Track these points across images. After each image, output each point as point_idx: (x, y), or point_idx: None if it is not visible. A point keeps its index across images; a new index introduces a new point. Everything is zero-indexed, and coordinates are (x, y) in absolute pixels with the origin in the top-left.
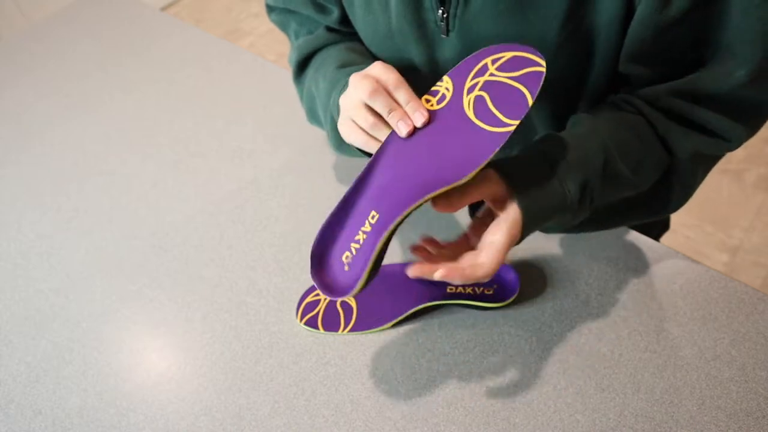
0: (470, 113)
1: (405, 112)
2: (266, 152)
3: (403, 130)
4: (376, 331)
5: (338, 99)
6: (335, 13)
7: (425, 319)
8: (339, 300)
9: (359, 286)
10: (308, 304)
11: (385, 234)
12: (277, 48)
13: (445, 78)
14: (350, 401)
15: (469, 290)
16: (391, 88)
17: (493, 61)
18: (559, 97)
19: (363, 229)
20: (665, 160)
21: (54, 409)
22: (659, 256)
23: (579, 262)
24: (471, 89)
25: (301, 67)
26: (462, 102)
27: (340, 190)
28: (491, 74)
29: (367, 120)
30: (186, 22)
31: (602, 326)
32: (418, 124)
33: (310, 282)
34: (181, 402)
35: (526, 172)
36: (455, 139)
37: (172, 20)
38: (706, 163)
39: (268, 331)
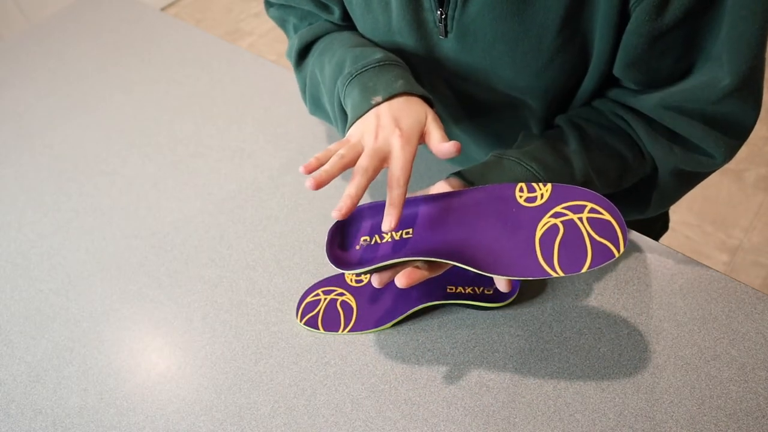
0: (538, 233)
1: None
2: (266, 152)
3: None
4: (376, 331)
5: (348, 84)
6: (337, 13)
7: (425, 319)
8: (339, 300)
9: (350, 273)
10: (308, 304)
11: (402, 259)
12: (278, 48)
13: (549, 186)
14: (350, 401)
15: (469, 290)
16: (392, 177)
17: (592, 210)
18: (554, 99)
19: (393, 233)
20: (643, 173)
21: (54, 409)
22: (659, 256)
23: None
24: (556, 215)
25: (303, 54)
26: (542, 218)
27: (340, 190)
28: (580, 218)
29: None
30: (186, 22)
31: (602, 326)
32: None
33: (310, 282)
34: (181, 402)
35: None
36: (511, 241)
37: (172, 20)
38: (689, 179)
39: (268, 331)
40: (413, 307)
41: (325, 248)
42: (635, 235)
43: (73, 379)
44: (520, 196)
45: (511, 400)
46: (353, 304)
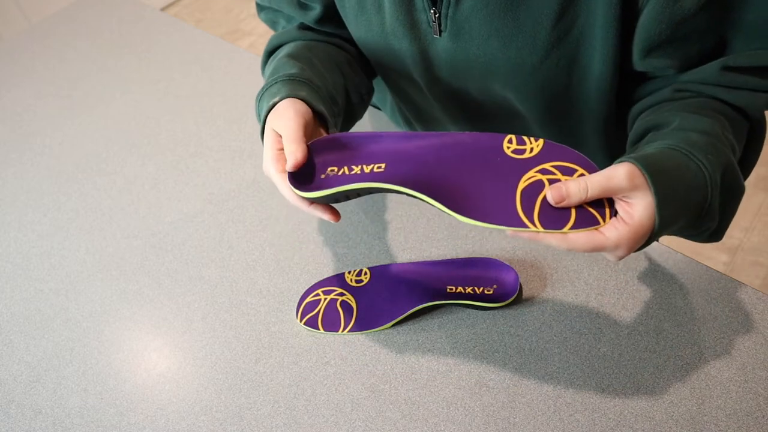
0: (521, 185)
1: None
2: None
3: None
4: (376, 331)
5: (266, 101)
6: (316, 10)
7: (425, 319)
8: (339, 300)
9: (312, 195)
10: (308, 304)
11: (375, 185)
12: None
13: (541, 142)
14: (350, 401)
15: (469, 290)
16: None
17: (582, 176)
18: (552, 98)
19: (364, 166)
20: (746, 125)
21: (54, 409)
22: (659, 256)
23: (579, 262)
24: (543, 171)
25: (265, 61)
26: (527, 171)
27: None
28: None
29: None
30: (186, 22)
31: (602, 326)
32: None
33: (310, 282)
34: (181, 402)
35: (659, 161)
36: (491, 187)
37: (172, 20)
38: None
39: (268, 331)
40: (413, 307)
41: (286, 176)
42: None
43: (73, 379)
44: (508, 147)
45: (511, 400)
46: (353, 304)
